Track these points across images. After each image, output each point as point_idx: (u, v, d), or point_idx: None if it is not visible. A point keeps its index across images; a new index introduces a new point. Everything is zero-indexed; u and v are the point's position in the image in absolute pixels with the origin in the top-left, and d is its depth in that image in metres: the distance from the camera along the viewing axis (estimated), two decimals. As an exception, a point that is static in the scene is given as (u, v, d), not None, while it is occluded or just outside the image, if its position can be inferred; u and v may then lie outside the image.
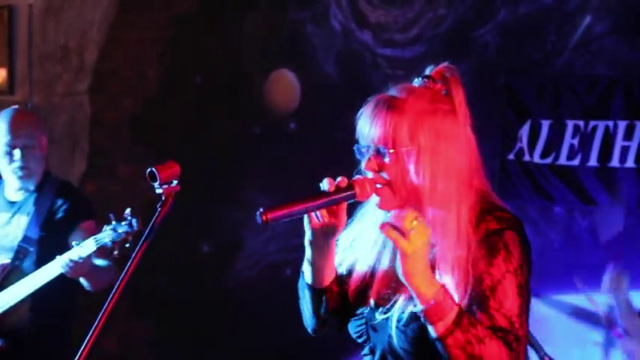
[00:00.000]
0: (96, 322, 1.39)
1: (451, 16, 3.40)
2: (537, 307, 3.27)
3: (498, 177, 3.38)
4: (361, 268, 1.49)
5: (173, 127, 4.04)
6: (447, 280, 1.33)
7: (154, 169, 1.47)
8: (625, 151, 3.03)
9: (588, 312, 3.32)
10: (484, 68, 3.40)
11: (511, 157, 3.35)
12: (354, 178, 1.38)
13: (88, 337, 1.38)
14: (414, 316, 1.35)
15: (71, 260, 2.31)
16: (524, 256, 1.35)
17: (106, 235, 2.32)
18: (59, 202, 2.67)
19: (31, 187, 2.64)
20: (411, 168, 1.33)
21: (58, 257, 2.35)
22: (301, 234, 3.42)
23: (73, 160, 4.28)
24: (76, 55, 4.32)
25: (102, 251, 2.40)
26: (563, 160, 3.19)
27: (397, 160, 1.33)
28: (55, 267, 2.37)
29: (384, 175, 1.34)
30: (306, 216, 1.40)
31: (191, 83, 4.01)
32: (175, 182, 1.51)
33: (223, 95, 3.91)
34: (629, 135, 3.03)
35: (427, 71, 1.43)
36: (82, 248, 2.32)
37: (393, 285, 1.43)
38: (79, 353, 1.38)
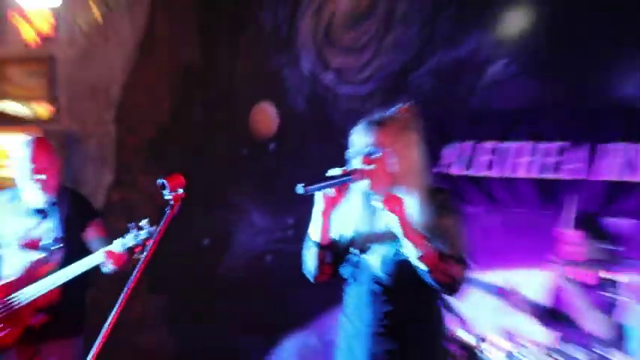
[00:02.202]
0: (122, 295, 1.58)
1: (395, 62, 3.76)
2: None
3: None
4: (349, 232, 1.86)
5: (181, 148, 4.40)
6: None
7: (164, 180, 1.67)
8: (527, 165, 3.45)
9: (496, 286, 3.43)
10: (420, 103, 3.64)
11: (438, 169, 3.66)
12: (351, 168, 1.77)
13: (116, 307, 1.57)
14: (393, 256, 1.77)
15: (115, 253, 2.52)
16: (461, 212, 1.83)
17: (130, 240, 2.51)
18: (73, 209, 2.83)
19: (52, 199, 2.79)
20: (392, 162, 1.73)
21: (98, 252, 2.56)
22: (280, 230, 3.50)
23: (103, 175, 4.55)
24: (103, 93, 4.59)
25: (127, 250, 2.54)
26: (477, 172, 3.59)
27: (384, 156, 1.73)
28: (94, 260, 2.58)
29: (372, 167, 1.74)
30: (321, 193, 1.76)
31: (195, 114, 4.39)
32: (181, 190, 1.69)
33: (219, 124, 4.30)
34: (531, 153, 3.44)
35: (397, 106, 1.87)
36: (113, 247, 2.53)
37: (372, 240, 1.83)
38: (111, 317, 1.56)
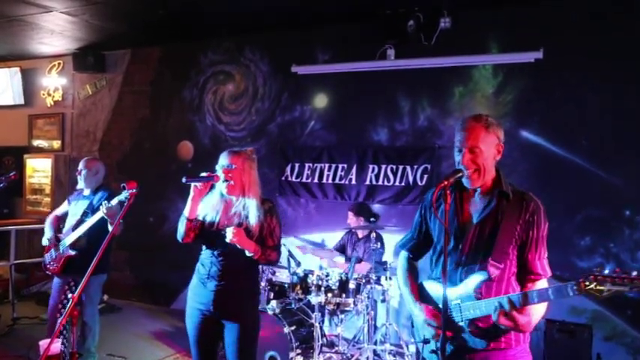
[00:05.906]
0: (101, 247, 1.76)
1: (258, 120, 4.68)
2: (293, 242, 4.00)
3: (279, 187, 4.53)
4: (209, 216, 2.08)
5: (136, 166, 5.27)
6: (255, 223, 1.89)
7: (124, 183, 1.96)
8: (328, 176, 4.35)
9: (314, 241, 4.31)
10: (272, 141, 4.57)
11: (283, 178, 4.56)
12: (214, 174, 1.99)
13: (96, 256, 1.70)
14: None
15: (106, 208, 2.86)
16: (278, 214, 2.03)
17: (117, 199, 2.78)
18: (101, 194, 3.23)
19: (91, 190, 3.24)
20: (242, 177, 1.99)
21: (100, 210, 2.85)
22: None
23: (92, 178, 4.74)
24: (92, 135, 5.59)
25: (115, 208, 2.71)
26: (304, 180, 4.48)
27: (236, 172, 1.99)
28: (100, 214, 2.89)
29: (229, 174, 1.96)
30: (193, 185, 1.97)
31: (145, 146, 5.30)
32: (134, 190, 1.95)
33: (159, 152, 5.16)
34: (329, 170, 4.35)
35: (248, 147, 2.18)
36: (109, 204, 2.83)
37: (224, 223, 2.03)
38: (93, 263, 1.69)
